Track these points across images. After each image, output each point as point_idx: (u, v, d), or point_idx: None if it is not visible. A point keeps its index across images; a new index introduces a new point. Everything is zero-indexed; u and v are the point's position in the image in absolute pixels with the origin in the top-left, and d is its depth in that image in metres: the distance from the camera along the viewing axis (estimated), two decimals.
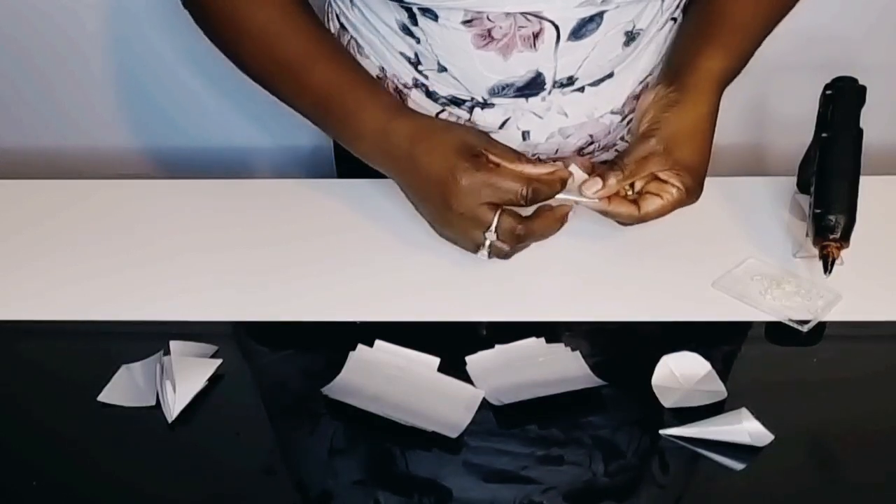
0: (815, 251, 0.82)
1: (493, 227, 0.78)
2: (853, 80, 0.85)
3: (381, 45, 0.89)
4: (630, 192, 0.83)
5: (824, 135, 0.84)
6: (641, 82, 0.92)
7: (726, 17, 0.88)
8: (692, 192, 0.81)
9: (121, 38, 1.32)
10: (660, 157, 0.80)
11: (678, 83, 0.84)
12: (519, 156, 0.80)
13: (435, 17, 0.82)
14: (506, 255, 0.81)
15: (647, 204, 0.81)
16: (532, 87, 0.87)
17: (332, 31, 0.95)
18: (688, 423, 0.69)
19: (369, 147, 0.84)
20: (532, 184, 0.77)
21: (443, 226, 0.82)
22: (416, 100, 0.90)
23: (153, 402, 0.72)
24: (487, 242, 0.79)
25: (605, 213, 0.82)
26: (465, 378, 0.74)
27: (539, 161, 0.82)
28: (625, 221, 0.83)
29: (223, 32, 0.88)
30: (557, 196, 0.80)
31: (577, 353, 0.75)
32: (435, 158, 0.79)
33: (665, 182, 0.81)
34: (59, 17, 1.30)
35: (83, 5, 1.29)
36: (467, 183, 0.77)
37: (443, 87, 0.89)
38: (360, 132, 0.83)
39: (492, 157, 0.79)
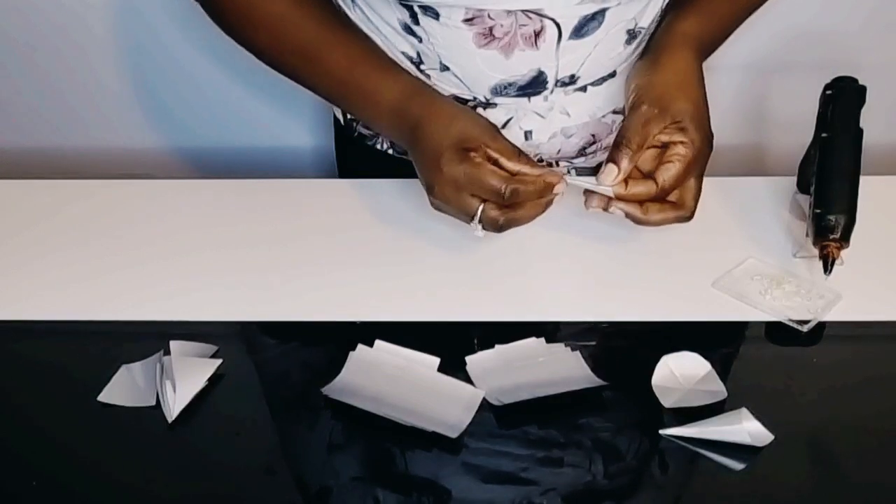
0: (815, 251, 0.82)
1: (476, 219, 0.78)
2: (853, 80, 0.85)
3: (382, 45, 0.89)
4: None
5: (824, 135, 0.84)
6: None
7: None
8: (702, 144, 0.79)
9: (121, 38, 1.32)
10: (656, 118, 0.79)
11: (653, 48, 0.85)
12: (519, 154, 0.78)
13: (436, 16, 0.82)
14: (499, 229, 0.79)
15: (662, 173, 0.79)
16: (534, 85, 0.87)
17: None
18: (688, 424, 0.69)
19: (386, 127, 0.86)
20: (512, 183, 0.76)
21: (435, 205, 0.81)
22: None
23: (153, 402, 0.72)
24: (476, 219, 0.78)
25: (624, 201, 0.79)
26: (465, 378, 0.74)
27: (538, 165, 0.80)
28: (646, 218, 0.79)
29: (237, 25, 0.88)
30: (574, 181, 0.79)
31: (577, 353, 0.75)
32: (430, 144, 0.78)
33: (671, 144, 0.79)
34: (60, 16, 1.30)
35: (85, 5, 1.29)
36: (448, 172, 0.77)
37: (445, 87, 0.89)
38: (378, 113, 0.85)
39: (490, 153, 0.78)
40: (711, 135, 0.81)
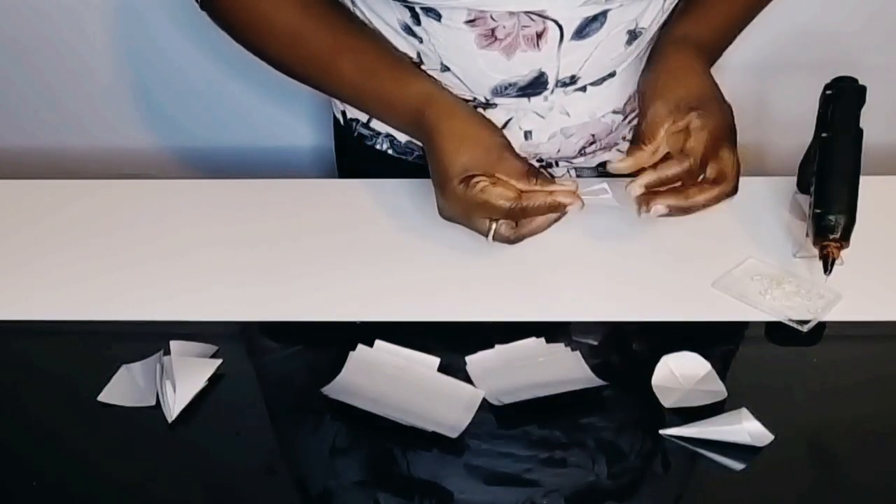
0: (815, 251, 0.82)
1: (490, 237, 0.80)
2: (853, 80, 0.85)
3: None
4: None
5: (824, 135, 0.84)
6: None
7: None
8: (721, 113, 0.81)
9: (120, 38, 1.32)
10: (663, 112, 0.81)
11: (655, 54, 0.87)
12: (528, 171, 0.79)
13: (438, 17, 0.82)
14: (511, 243, 0.82)
15: (689, 145, 0.80)
16: (534, 86, 0.87)
17: None
18: (688, 423, 0.69)
19: (405, 132, 0.89)
20: (521, 201, 0.78)
21: (447, 218, 0.83)
22: None
23: (153, 402, 0.72)
24: (490, 238, 0.81)
25: (658, 184, 0.80)
26: (465, 378, 0.74)
27: (549, 180, 0.80)
28: (689, 203, 0.80)
29: (246, 33, 0.88)
30: (584, 199, 0.80)
31: (577, 353, 0.75)
32: (439, 167, 0.80)
33: (689, 128, 0.81)
34: (59, 16, 1.30)
35: (85, 5, 1.29)
36: (456, 201, 0.79)
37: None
38: (395, 122, 0.88)
39: (499, 176, 0.79)
40: (729, 106, 0.83)
